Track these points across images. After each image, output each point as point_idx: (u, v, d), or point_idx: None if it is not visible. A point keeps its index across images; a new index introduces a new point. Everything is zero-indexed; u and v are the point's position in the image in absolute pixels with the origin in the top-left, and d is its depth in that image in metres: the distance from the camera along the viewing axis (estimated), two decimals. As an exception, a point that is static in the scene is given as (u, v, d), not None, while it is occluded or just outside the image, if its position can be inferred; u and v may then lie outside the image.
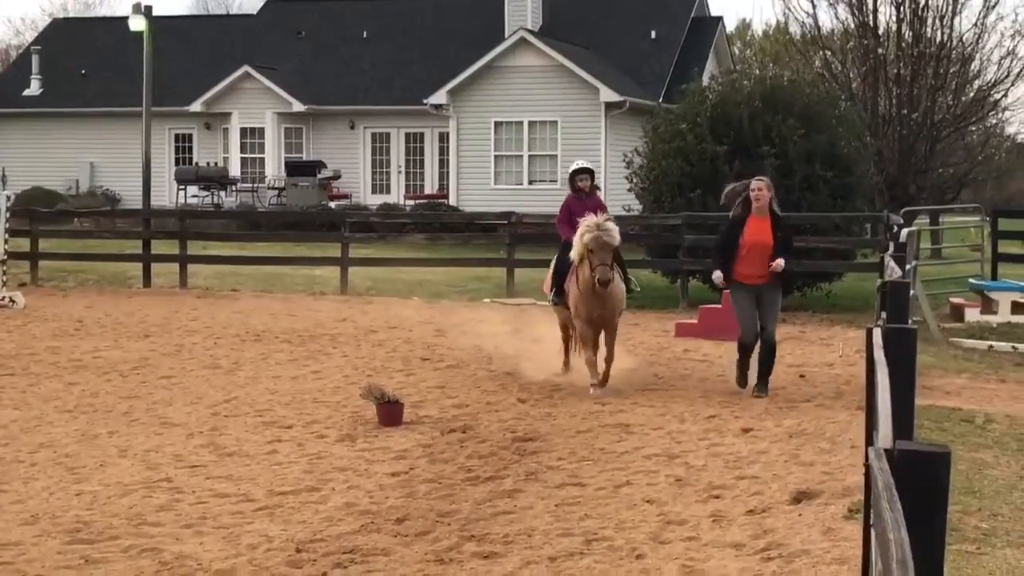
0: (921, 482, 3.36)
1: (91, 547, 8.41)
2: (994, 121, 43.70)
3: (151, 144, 40.10)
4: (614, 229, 14.33)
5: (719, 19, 50.71)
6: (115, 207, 46.10)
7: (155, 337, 19.10)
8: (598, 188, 14.72)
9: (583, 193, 15.59)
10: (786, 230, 15.02)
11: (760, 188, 14.35)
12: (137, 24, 39.94)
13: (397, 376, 15.33)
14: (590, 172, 15.90)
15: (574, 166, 16.11)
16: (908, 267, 14.93)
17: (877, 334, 5.81)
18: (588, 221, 14.25)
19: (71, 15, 62.92)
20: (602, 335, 14.78)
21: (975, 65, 31.18)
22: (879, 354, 5.37)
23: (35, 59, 53.42)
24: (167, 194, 46.14)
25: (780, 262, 14.20)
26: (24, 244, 28.11)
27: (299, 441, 11.82)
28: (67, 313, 22.15)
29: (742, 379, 14.45)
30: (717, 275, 14.74)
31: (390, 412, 12.43)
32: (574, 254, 14.49)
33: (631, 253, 20.50)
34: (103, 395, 14.16)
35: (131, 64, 41.74)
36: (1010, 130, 57.09)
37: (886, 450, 3.65)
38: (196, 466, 10.85)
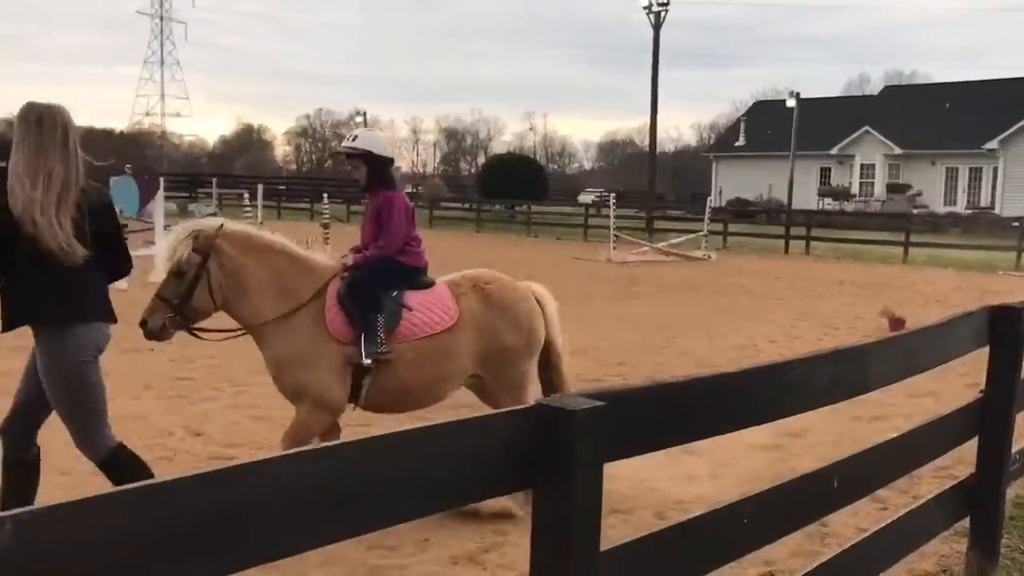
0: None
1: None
2: None
3: (799, 174, 40.72)
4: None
5: None
6: (779, 209, 46.89)
7: (781, 279, 19.11)
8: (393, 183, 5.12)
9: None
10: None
11: None
12: (790, 103, 40.43)
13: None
14: (361, 155, 4.97)
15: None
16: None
17: None
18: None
19: (764, 99, 63.51)
20: None
21: None
22: None
23: (742, 124, 55.23)
24: (812, 202, 45.99)
25: None
26: (719, 227, 29.23)
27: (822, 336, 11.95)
28: (735, 265, 22.57)
29: None
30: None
31: (898, 324, 12.64)
32: None
33: None
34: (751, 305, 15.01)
35: (789, 127, 42.20)
36: None
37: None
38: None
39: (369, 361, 4.66)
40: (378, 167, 5.01)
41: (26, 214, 3.63)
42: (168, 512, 1.41)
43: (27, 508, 1.26)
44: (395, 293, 4.88)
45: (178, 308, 4.52)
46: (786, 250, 27.43)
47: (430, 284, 5.03)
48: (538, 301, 5.18)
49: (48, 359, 3.79)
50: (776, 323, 12.85)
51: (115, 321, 3.97)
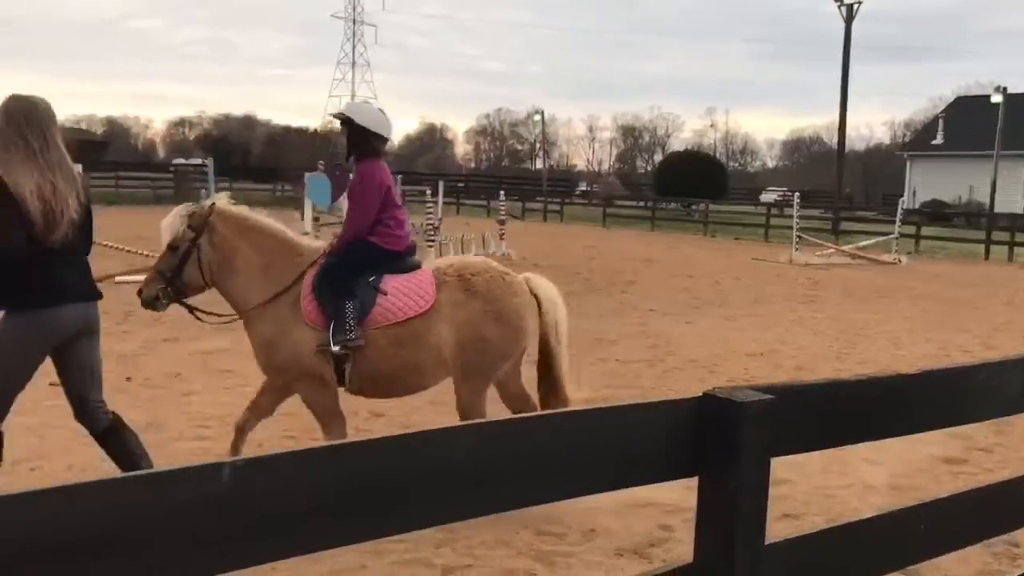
0: None
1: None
2: None
3: (1004, 175, 37.81)
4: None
5: None
6: (980, 212, 43.75)
7: (979, 287, 18.02)
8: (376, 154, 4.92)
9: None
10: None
11: None
12: (996, 99, 37.80)
13: None
14: (345, 121, 4.90)
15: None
16: None
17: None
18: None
19: (967, 94, 59.55)
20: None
21: None
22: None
23: (941, 121, 52.07)
24: (1018, 206, 42.04)
25: None
26: (911, 230, 27.65)
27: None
28: (928, 271, 21.10)
29: None
30: None
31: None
32: None
33: None
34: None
35: (994, 125, 39.15)
36: None
37: None
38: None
39: (337, 348, 4.62)
40: (358, 136, 4.87)
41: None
42: (341, 472, 1.56)
43: (240, 457, 1.48)
44: (372, 278, 4.76)
45: (170, 281, 4.71)
46: (986, 256, 25.68)
47: (415, 267, 4.89)
48: (536, 297, 4.87)
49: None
50: (971, 333, 12.12)
51: (100, 297, 4.17)
